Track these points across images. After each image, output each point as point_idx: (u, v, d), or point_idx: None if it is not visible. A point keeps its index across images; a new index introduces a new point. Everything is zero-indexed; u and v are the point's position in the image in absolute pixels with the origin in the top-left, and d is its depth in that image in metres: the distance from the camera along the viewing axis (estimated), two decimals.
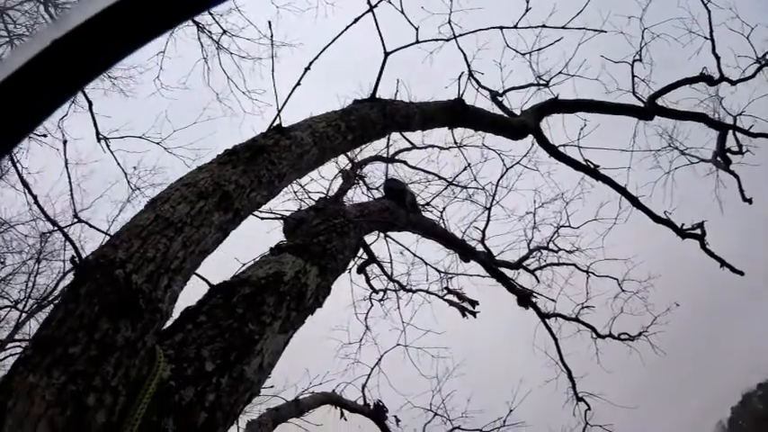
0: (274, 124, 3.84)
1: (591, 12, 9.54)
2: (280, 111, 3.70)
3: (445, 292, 9.62)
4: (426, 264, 10.56)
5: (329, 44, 3.84)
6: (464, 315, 8.78)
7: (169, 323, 3.18)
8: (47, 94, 1.05)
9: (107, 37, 1.04)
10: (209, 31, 12.94)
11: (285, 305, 3.57)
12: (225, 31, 12.85)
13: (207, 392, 2.83)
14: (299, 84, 3.73)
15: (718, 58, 10.52)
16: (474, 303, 8.90)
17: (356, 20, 4.06)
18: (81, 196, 14.50)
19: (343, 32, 3.91)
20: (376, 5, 4.33)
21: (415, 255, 10.25)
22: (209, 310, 3.30)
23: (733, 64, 10.71)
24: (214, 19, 12.81)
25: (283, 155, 3.73)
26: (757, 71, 10.65)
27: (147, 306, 2.53)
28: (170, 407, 2.67)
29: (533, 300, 10.40)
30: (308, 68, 3.77)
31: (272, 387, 8.95)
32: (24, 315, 18.81)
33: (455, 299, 8.95)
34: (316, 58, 3.78)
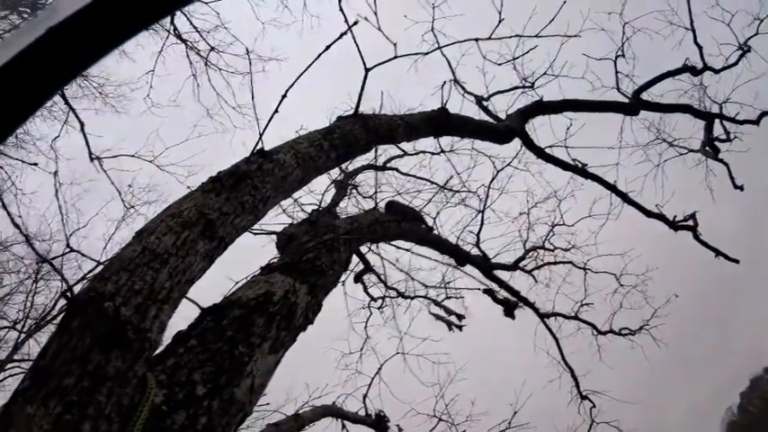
0: (257, 148, 3.92)
1: (571, 11, 9.64)
2: (261, 135, 3.79)
3: (431, 305, 9.64)
4: (413, 279, 10.53)
5: (306, 69, 3.94)
6: (450, 329, 8.82)
7: (163, 348, 3.29)
8: (43, 81, 1.07)
9: (102, 26, 1.07)
10: (197, 49, 13.05)
11: (275, 325, 3.66)
12: (212, 48, 12.95)
13: (199, 416, 2.93)
14: (276, 111, 3.82)
15: (700, 47, 10.55)
16: (461, 317, 8.94)
17: (331, 45, 4.14)
18: (77, 215, 14.62)
19: (317, 59, 3.99)
20: (352, 27, 4.41)
21: (402, 271, 10.24)
22: (200, 334, 3.39)
23: (716, 52, 10.79)
24: (201, 36, 12.93)
25: (267, 179, 3.83)
26: (740, 58, 10.74)
27: (136, 337, 2.63)
28: (163, 431, 2.76)
29: (531, 304, 10.43)
30: (284, 96, 3.85)
31: (267, 404, 8.98)
32: (23, 335, 18.90)
33: (441, 313, 8.98)
34: (291, 85, 3.87)
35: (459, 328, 8.74)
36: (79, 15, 1.03)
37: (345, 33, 4.29)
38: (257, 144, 3.87)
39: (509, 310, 9.59)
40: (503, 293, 9.94)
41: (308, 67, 3.94)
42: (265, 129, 3.73)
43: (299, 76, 3.90)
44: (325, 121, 5.32)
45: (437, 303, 9.26)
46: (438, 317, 8.93)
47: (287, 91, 3.86)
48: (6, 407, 2.47)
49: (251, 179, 3.71)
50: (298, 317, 3.97)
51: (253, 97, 3.75)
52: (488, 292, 9.61)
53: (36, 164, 12.31)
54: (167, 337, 3.35)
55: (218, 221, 3.33)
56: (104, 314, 2.60)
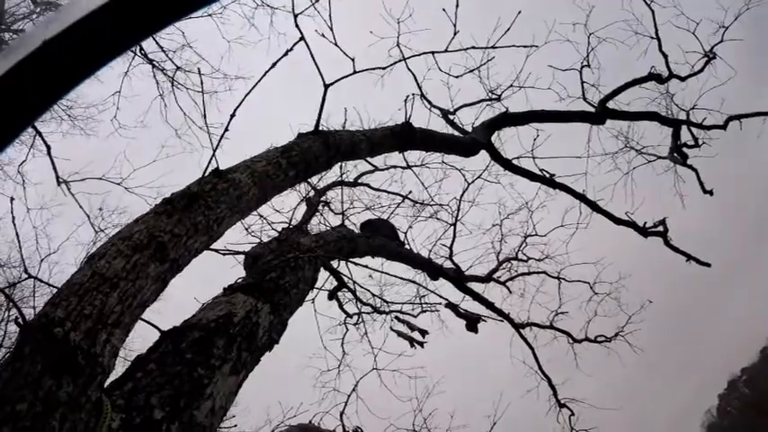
0: (209, 168, 3.92)
1: (536, 22, 9.74)
2: (213, 154, 3.79)
3: (394, 321, 9.60)
4: (380, 298, 10.52)
5: (252, 88, 3.98)
6: (412, 346, 8.80)
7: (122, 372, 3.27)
8: (40, 95, 1.09)
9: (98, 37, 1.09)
10: (163, 68, 13.02)
11: (235, 346, 3.65)
12: (179, 68, 12.93)
13: None
14: (227, 129, 3.83)
15: (665, 55, 10.76)
16: (424, 333, 8.91)
17: (277, 62, 4.15)
18: (47, 241, 14.47)
19: (264, 76, 4.01)
20: (297, 43, 4.42)
21: (369, 291, 10.22)
22: (159, 358, 3.38)
23: (681, 60, 10.97)
24: (167, 56, 12.91)
25: (221, 198, 3.82)
26: (706, 65, 10.90)
27: (86, 362, 2.61)
28: None
29: (506, 315, 10.45)
30: (233, 115, 3.87)
31: (235, 426, 8.90)
32: None
33: (404, 329, 8.94)
34: (239, 104, 3.89)
35: (421, 344, 8.71)
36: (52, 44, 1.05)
37: (291, 50, 4.31)
38: (209, 164, 3.87)
39: (471, 325, 9.59)
40: (465, 308, 9.94)
41: (255, 86, 3.99)
42: (216, 148, 3.74)
43: (246, 96, 3.95)
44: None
45: (400, 320, 9.23)
46: (400, 333, 8.89)
47: (235, 110, 3.89)
48: None
49: (204, 200, 3.70)
50: (260, 337, 3.95)
51: (204, 116, 3.77)
52: (450, 306, 9.62)
53: (13, 198, 12.18)
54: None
55: (170, 243, 3.31)
56: (54, 339, 2.59)
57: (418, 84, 8.41)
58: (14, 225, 3.59)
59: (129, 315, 2.92)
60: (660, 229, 10.71)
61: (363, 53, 6.11)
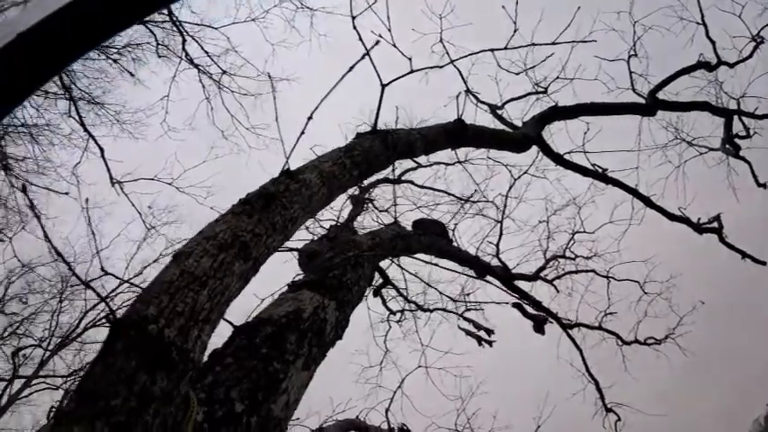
0: (283, 169, 4.01)
1: (580, 12, 9.60)
2: (288, 157, 3.88)
3: (460, 320, 9.60)
4: (440, 293, 10.53)
5: (330, 91, 4.02)
6: (480, 344, 8.78)
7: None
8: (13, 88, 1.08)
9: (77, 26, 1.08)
10: (209, 73, 13.26)
11: (306, 342, 3.75)
12: (224, 72, 13.15)
13: None
14: (303, 133, 3.92)
15: (713, 42, 10.39)
16: (490, 332, 8.89)
17: (351, 68, 4.23)
18: (99, 238, 14.93)
19: (342, 79, 4.07)
20: (369, 51, 4.50)
21: (425, 283, 10.25)
22: (235, 352, 3.48)
23: (729, 46, 10.57)
24: (213, 60, 13.15)
25: (294, 199, 3.92)
26: (754, 50, 10.47)
27: (179, 357, 2.71)
28: None
29: (554, 315, 10.32)
30: (310, 117, 3.94)
31: (297, 418, 9.03)
32: (48, 353, 19.24)
33: (471, 327, 8.94)
34: (317, 107, 3.96)
35: (490, 343, 8.71)
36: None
37: (367, 54, 4.38)
38: (285, 165, 3.96)
39: (539, 326, 9.52)
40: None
41: (332, 88, 4.04)
42: (292, 150, 3.84)
43: (324, 99, 4.01)
44: (336, 136, 5.40)
45: (465, 318, 9.24)
46: (467, 332, 8.90)
47: (312, 113, 3.96)
48: (52, 428, 2.53)
49: (279, 200, 3.81)
50: (328, 333, 4.05)
51: (277, 118, 3.82)
52: (517, 306, 9.55)
53: (67, 193, 12.64)
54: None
55: (252, 243, 3.42)
56: (148, 336, 2.68)
57: (464, 80, 8.39)
58: (90, 225, 3.69)
59: (217, 311, 3.02)
60: (715, 225, 10.38)
61: (406, 50, 6.13)
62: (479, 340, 8.73)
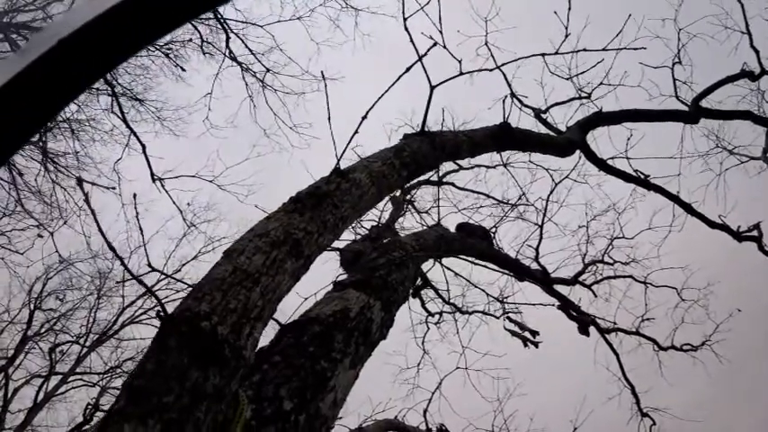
0: (334, 168, 4.01)
1: (624, 18, 9.53)
2: (340, 158, 3.88)
3: (505, 319, 9.60)
4: (487, 294, 10.52)
5: (385, 93, 4.00)
6: (526, 345, 8.76)
7: None
8: (51, 97, 1.04)
9: (115, 35, 1.04)
10: (253, 71, 13.35)
11: (353, 341, 3.74)
12: (268, 70, 13.23)
13: (287, 430, 3.00)
14: (356, 132, 3.90)
15: (757, 51, 10.33)
16: (534, 333, 8.86)
17: (408, 69, 4.20)
18: (137, 234, 15.12)
19: (396, 82, 4.05)
20: (426, 53, 4.47)
21: (469, 281, 10.25)
22: (283, 350, 3.48)
23: None
24: (256, 58, 13.23)
25: (345, 198, 3.92)
26: None
27: (232, 354, 2.71)
28: None
29: (593, 320, 10.28)
30: (365, 117, 3.93)
31: (340, 417, 9.07)
32: (85, 349, 19.47)
33: (516, 329, 8.94)
34: (372, 107, 3.94)
35: (536, 344, 8.70)
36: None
37: (421, 59, 4.37)
38: (336, 165, 3.95)
39: (584, 328, 9.47)
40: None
41: (388, 89, 4.02)
42: (345, 150, 3.83)
43: (379, 99, 3.98)
44: (375, 136, 5.38)
45: (511, 319, 9.23)
46: (513, 333, 8.90)
47: (367, 112, 3.94)
48: (101, 427, 2.53)
49: (331, 198, 3.81)
50: (374, 332, 4.04)
51: (329, 117, 3.81)
52: (563, 308, 9.52)
53: (114, 188, 12.85)
54: None
55: (304, 240, 3.41)
56: (201, 333, 2.68)
57: (509, 84, 8.35)
58: (138, 220, 3.71)
59: (269, 309, 3.02)
60: (755, 233, 10.35)
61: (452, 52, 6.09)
62: (525, 341, 8.71)
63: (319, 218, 3.61)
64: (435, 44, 4.56)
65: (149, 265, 3.63)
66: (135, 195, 4.24)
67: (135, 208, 3.76)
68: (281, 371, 3.29)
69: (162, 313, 2.88)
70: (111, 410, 2.57)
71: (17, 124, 1.02)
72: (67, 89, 1.06)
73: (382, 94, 3.96)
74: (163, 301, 2.95)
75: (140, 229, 4.65)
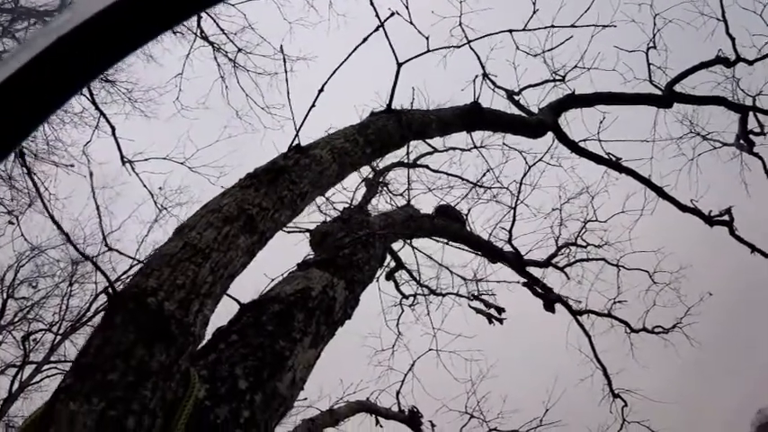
0: (293, 144, 3.92)
1: (601, 2, 9.49)
2: (298, 131, 3.79)
3: (472, 299, 9.60)
4: (453, 273, 10.53)
5: (341, 65, 3.92)
6: (491, 322, 8.77)
7: (203, 343, 3.29)
8: (49, 93, 1.04)
9: (113, 33, 1.03)
10: (225, 51, 13.14)
11: (314, 320, 3.67)
12: (240, 50, 13.04)
13: (241, 410, 2.93)
14: (313, 105, 3.82)
15: (732, 38, 10.38)
16: (500, 310, 8.88)
17: (365, 39, 4.13)
18: (109, 219, 14.87)
19: (353, 52, 3.97)
20: (384, 23, 4.38)
21: (440, 264, 10.23)
22: (241, 330, 3.40)
23: (748, 44, 10.56)
24: (228, 38, 13.02)
25: (304, 174, 3.83)
26: None
27: (179, 331, 2.63)
28: (206, 426, 2.76)
29: (564, 301, 10.33)
30: (321, 90, 3.85)
31: (305, 399, 9.05)
32: (59, 337, 19.23)
33: (481, 306, 8.95)
34: (328, 79, 3.86)
35: (500, 321, 8.71)
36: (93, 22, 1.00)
37: (382, 26, 4.27)
38: (293, 140, 3.87)
39: (549, 305, 9.50)
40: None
41: (345, 60, 3.94)
42: (302, 124, 3.74)
43: (335, 70, 3.90)
44: (352, 120, 5.30)
45: (477, 297, 9.23)
46: (478, 310, 8.90)
47: (323, 85, 3.87)
48: (49, 404, 2.45)
49: (288, 174, 3.72)
50: (336, 312, 3.97)
51: (288, 93, 3.72)
52: (528, 285, 9.53)
53: (72, 165, 12.59)
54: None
55: (259, 216, 3.32)
56: (148, 309, 2.60)
57: (482, 64, 8.30)
58: (95, 199, 3.62)
59: (221, 286, 2.94)
60: (726, 218, 10.39)
61: (425, 33, 6.01)
62: (490, 318, 8.72)
63: (275, 193, 3.52)
64: (393, 14, 4.47)
65: (107, 244, 3.56)
66: (91, 174, 4.14)
67: (91, 185, 3.67)
68: (238, 350, 3.22)
69: (110, 290, 2.80)
70: (60, 388, 2.50)
71: (15, 121, 1.03)
72: (65, 86, 1.07)
73: (339, 65, 3.88)
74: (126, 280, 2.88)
75: (96, 206, 4.52)
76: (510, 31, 7.17)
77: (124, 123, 14.15)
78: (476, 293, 9.86)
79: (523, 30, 6.97)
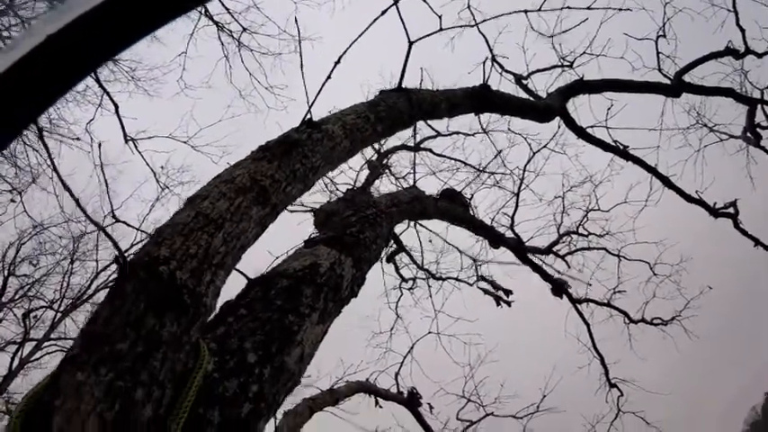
0: (305, 119, 3.88)
1: None
2: (311, 106, 3.74)
3: (479, 280, 9.59)
4: (460, 252, 10.53)
5: (358, 37, 3.88)
6: (498, 304, 8.76)
7: (211, 317, 3.25)
8: (42, 90, 1.04)
9: (104, 31, 1.03)
10: (229, 30, 13.01)
11: (322, 296, 3.63)
12: (245, 29, 12.91)
13: (250, 383, 2.89)
14: (329, 77, 3.77)
15: (742, 30, 10.32)
16: (508, 292, 8.86)
17: (383, 12, 4.08)
18: (112, 197, 14.82)
19: (370, 26, 3.92)
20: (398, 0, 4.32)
21: (446, 241, 10.22)
22: (249, 304, 3.36)
23: (758, 36, 10.52)
24: (233, 17, 12.89)
25: (316, 148, 3.78)
26: None
27: (191, 301, 2.58)
28: (215, 399, 2.72)
29: (568, 288, 10.32)
30: (337, 62, 3.80)
31: (309, 377, 9.06)
32: (60, 315, 19.23)
33: (489, 287, 8.93)
34: (345, 51, 3.81)
35: (508, 303, 8.70)
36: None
37: (396, 3, 4.21)
38: (306, 114, 3.82)
39: (558, 289, 9.49)
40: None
41: (362, 33, 3.89)
42: (315, 98, 3.69)
43: (352, 43, 3.85)
44: (351, 97, 5.25)
45: (485, 279, 9.21)
46: (486, 291, 8.89)
47: (340, 57, 3.82)
48: (55, 375, 2.40)
49: (301, 148, 3.67)
50: (344, 289, 3.93)
51: (302, 65, 3.66)
52: (538, 269, 9.51)
53: (78, 138, 12.50)
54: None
55: (271, 188, 3.28)
56: (159, 278, 2.56)
57: (490, 47, 8.24)
58: (102, 170, 3.57)
59: (233, 257, 2.90)
60: (730, 210, 10.38)
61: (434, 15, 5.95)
62: (498, 300, 8.70)
63: (288, 166, 3.48)
64: None
65: (113, 215, 3.50)
66: (100, 144, 4.09)
67: (99, 157, 3.62)
68: (247, 324, 3.18)
69: (120, 259, 2.75)
70: (66, 357, 2.45)
71: (11, 117, 1.02)
72: (57, 84, 1.06)
73: (355, 39, 3.83)
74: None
75: (104, 179, 4.48)
76: (525, 11, 7.10)
77: (127, 102, 14.15)
78: (482, 275, 9.84)
79: (538, 10, 6.91)
